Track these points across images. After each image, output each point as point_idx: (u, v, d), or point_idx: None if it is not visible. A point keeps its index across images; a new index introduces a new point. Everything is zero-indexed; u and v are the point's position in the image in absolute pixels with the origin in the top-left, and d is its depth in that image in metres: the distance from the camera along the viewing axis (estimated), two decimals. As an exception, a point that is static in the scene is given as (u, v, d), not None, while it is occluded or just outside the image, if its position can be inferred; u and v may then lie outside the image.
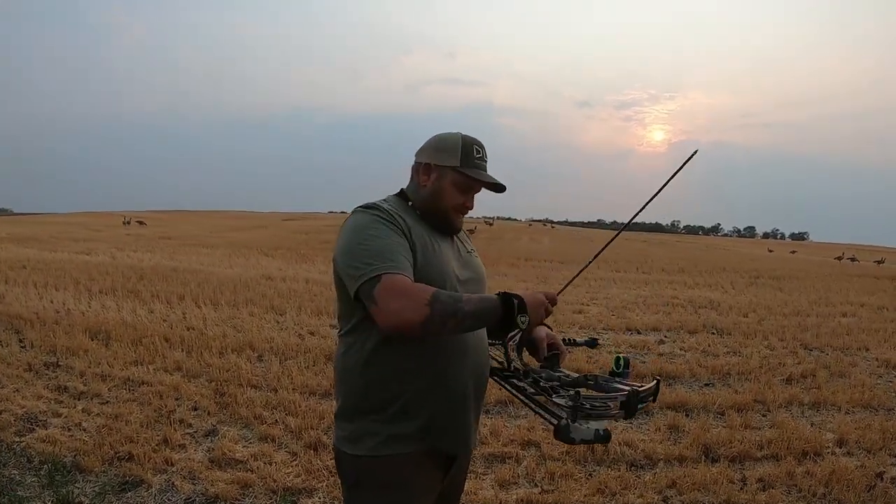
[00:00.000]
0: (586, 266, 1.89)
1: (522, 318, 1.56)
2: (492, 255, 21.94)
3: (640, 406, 1.57)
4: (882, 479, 3.89)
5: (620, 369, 1.74)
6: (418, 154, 1.86)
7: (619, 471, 3.90)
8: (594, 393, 1.60)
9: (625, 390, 1.56)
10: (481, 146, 1.83)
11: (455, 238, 1.90)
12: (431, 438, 1.70)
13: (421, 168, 1.83)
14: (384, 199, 1.81)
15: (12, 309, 8.33)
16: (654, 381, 1.63)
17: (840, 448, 4.44)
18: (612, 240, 2.00)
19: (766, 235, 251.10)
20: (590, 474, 3.89)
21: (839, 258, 36.66)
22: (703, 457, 4.15)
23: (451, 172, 1.80)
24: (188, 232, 34.51)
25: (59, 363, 5.91)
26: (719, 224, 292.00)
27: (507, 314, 1.56)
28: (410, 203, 1.83)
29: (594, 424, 1.51)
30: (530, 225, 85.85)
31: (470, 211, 1.86)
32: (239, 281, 11.67)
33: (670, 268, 19.88)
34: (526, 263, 19.15)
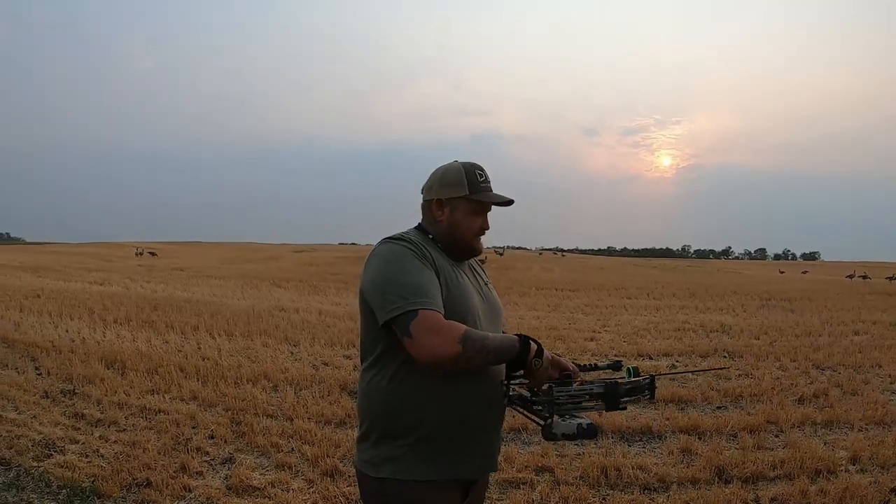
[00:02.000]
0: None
1: (536, 361, 1.66)
2: (503, 284, 21.89)
3: (626, 399, 1.68)
4: (896, 494, 3.89)
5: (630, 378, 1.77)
6: (426, 192, 1.94)
7: (633, 494, 3.92)
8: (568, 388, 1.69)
9: (601, 382, 1.69)
10: (482, 169, 1.92)
11: (472, 271, 1.97)
12: (452, 464, 1.74)
13: (433, 205, 1.90)
14: (406, 232, 1.88)
15: (28, 337, 8.47)
16: (648, 377, 1.72)
17: (853, 465, 4.44)
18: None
19: (777, 257, 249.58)
20: (603, 498, 3.90)
21: (851, 276, 36.42)
22: (717, 478, 4.16)
23: (464, 202, 1.87)
24: (200, 263, 34.73)
25: (76, 391, 5.99)
26: (730, 247, 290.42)
27: (521, 354, 1.66)
28: (431, 237, 1.89)
29: (576, 420, 1.62)
30: (541, 254, 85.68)
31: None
32: (252, 312, 11.73)
33: (681, 293, 19.82)
34: (537, 292, 19.10)
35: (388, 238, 1.80)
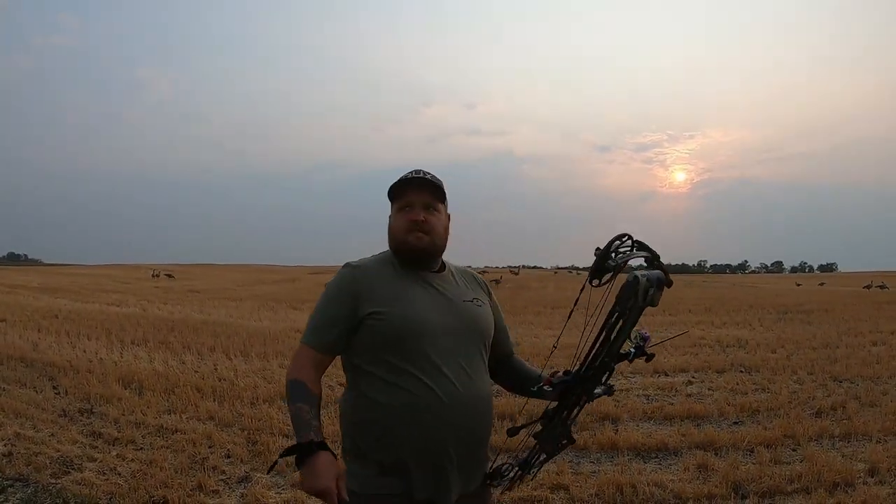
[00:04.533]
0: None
1: (296, 469, 1.64)
2: (518, 304, 21.95)
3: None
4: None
5: (635, 343, 1.67)
6: None
7: (649, 510, 3.90)
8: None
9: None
10: (416, 170, 1.91)
11: (449, 285, 1.91)
12: (406, 484, 1.75)
13: None
14: (378, 254, 1.94)
15: (46, 357, 8.56)
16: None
17: (872, 477, 4.39)
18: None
19: (794, 269, 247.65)
20: (619, 515, 3.89)
21: (868, 287, 36.11)
22: (733, 493, 4.13)
23: (392, 204, 1.91)
24: (216, 285, 34.91)
25: (93, 410, 6.04)
26: (746, 261, 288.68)
27: (297, 449, 1.63)
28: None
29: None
30: (556, 272, 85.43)
31: (424, 225, 1.84)
32: (268, 334, 11.76)
33: (697, 308, 19.73)
34: (553, 311, 19.01)
35: (345, 264, 1.90)
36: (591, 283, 1.57)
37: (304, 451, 1.61)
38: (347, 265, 1.86)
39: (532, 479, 1.86)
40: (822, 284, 45.95)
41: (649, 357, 1.67)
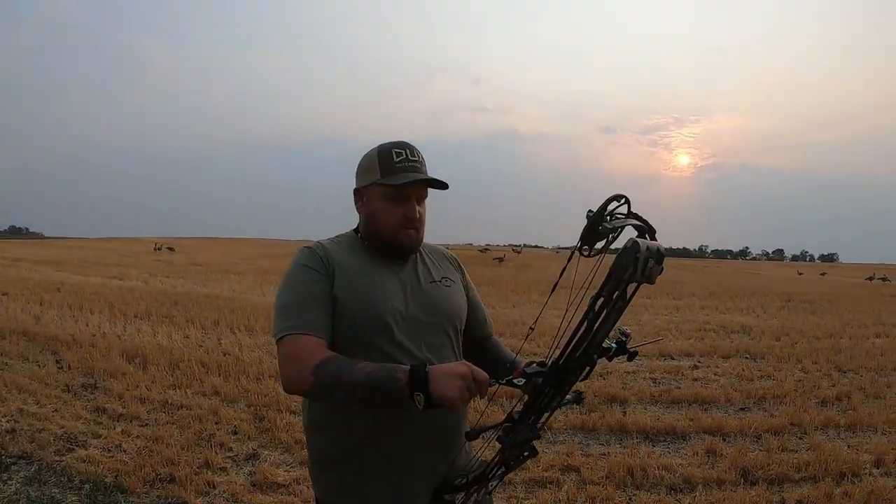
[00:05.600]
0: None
1: (417, 396, 1.33)
2: (522, 282, 22.05)
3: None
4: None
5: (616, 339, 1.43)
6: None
7: (659, 494, 3.90)
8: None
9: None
10: (404, 147, 1.66)
11: (418, 267, 1.75)
12: (362, 499, 1.62)
13: (355, 197, 1.74)
14: (337, 236, 1.75)
15: (49, 331, 8.55)
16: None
17: (878, 469, 4.41)
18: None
19: (795, 258, 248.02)
20: (630, 498, 3.89)
21: (870, 279, 36.10)
22: (742, 480, 4.13)
23: (377, 188, 1.65)
24: (218, 259, 34.87)
25: (97, 385, 6.03)
26: (747, 247, 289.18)
27: (411, 387, 1.35)
28: (361, 235, 1.73)
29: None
30: (557, 252, 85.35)
31: (417, 221, 1.67)
32: (271, 308, 11.70)
33: (700, 293, 19.75)
34: (558, 291, 18.97)
35: (305, 245, 1.68)
36: (580, 251, 1.32)
37: (414, 383, 1.34)
38: (312, 245, 1.66)
39: (489, 494, 1.64)
40: (823, 274, 45.88)
41: (632, 355, 1.44)
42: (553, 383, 1.38)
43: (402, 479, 1.62)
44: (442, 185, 1.67)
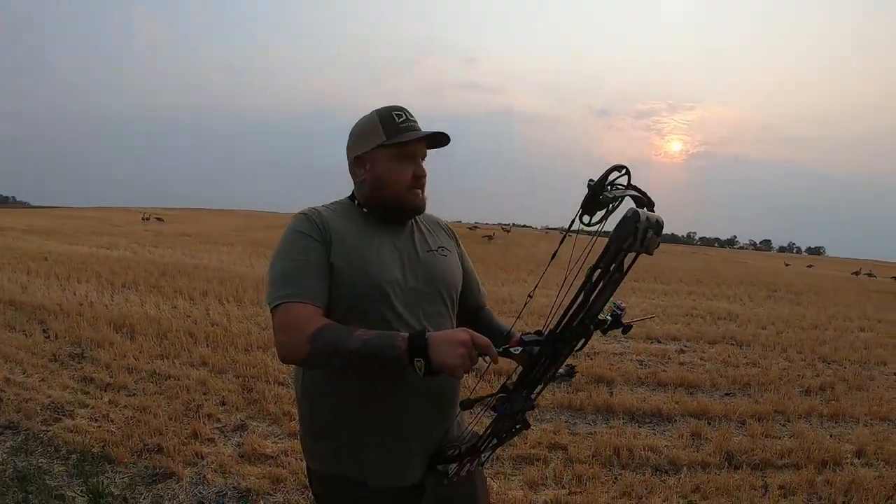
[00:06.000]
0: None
1: (417, 362, 1.33)
2: (511, 261, 22.09)
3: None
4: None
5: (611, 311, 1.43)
6: (348, 151, 1.72)
7: (645, 475, 3.94)
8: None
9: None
10: (402, 109, 1.66)
11: (414, 236, 1.73)
12: (360, 469, 1.61)
13: (354, 164, 1.70)
14: (331, 203, 1.72)
15: (36, 300, 8.50)
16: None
17: (858, 459, 4.49)
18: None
19: (782, 249, 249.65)
20: (616, 478, 3.93)
21: (857, 273, 36.42)
22: (726, 463, 4.20)
23: (384, 151, 1.63)
24: (206, 230, 34.66)
25: (84, 354, 6.02)
26: (735, 237, 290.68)
27: (411, 354, 1.35)
28: (358, 203, 1.71)
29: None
30: (546, 232, 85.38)
31: (423, 181, 1.68)
32: (261, 279, 11.67)
33: (688, 279, 19.80)
34: (549, 271, 19.07)
35: (298, 212, 1.64)
36: (581, 219, 1.31)
37: (414, 350, 1.34)
38: (307, 212, 1.63)
39: (481, 465, 1.65)
40: (809, 266, 46.11)
41: (626, 328, 1.44)
42: (549, 353, 1.38)
43: (398, 445, 1.61)
44: (445, 140, 1.68)
